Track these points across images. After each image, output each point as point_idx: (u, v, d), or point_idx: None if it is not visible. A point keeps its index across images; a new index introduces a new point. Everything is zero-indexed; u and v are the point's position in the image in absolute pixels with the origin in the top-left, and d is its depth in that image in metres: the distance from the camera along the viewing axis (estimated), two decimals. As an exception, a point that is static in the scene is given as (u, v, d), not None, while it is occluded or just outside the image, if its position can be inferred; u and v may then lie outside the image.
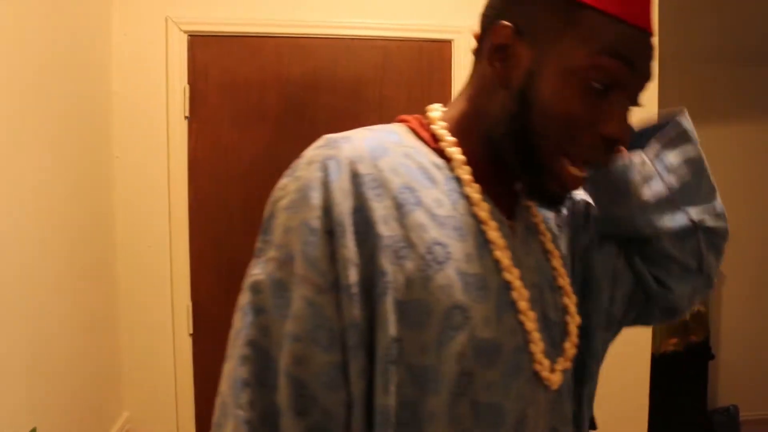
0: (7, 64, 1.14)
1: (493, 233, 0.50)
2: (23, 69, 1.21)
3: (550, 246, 0.58)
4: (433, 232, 0.47)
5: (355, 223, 0.45)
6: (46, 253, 1.30)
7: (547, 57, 0.48)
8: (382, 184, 0.47)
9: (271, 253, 0.47)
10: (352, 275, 0.44)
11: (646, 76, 0.49)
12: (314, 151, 0.49)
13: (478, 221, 0.50)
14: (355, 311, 0.44)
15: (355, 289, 0.44)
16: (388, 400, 0.45)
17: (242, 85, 1.88)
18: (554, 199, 0.53)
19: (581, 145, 0.49)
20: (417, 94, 1.94)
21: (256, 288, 0.47)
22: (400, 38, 1.92)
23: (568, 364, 0.55)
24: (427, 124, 0.55)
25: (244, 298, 0.47)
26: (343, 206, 0.45)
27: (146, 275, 1.84)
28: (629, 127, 0.51)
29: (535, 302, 0.52)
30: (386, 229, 0.46)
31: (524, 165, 0.51)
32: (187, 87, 1.84)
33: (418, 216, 0.47)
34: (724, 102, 2.89)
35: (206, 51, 1.86)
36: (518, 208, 0.57)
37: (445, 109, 0.57)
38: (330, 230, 0.45)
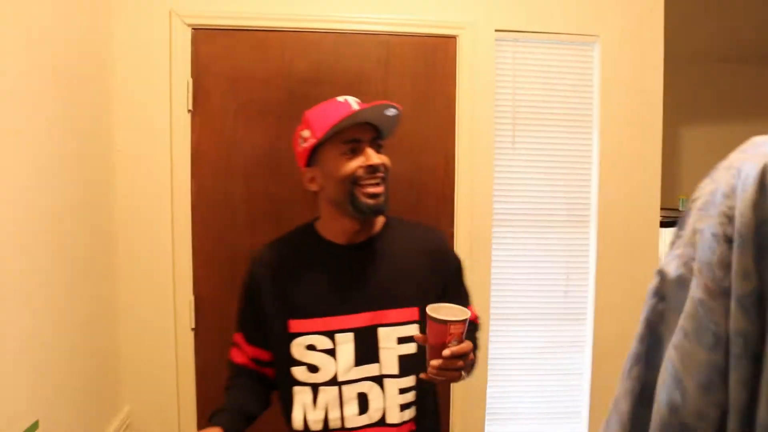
0: (9, 59, 1.14)
1: None
2: (25, 61, 1.20)
3: None
4: None
5: (758, 237, 0.44)
6: (48, 247, 1.30)
7: None
8: None
9: (680, 249, 0.51)
10: (746, 286, 0.44)
11: None
12: (736, 154, 0.50)
13: None
14: (744, 322, 0.44)
15: (747, 301, 0.44)
16: None
17: (245, 79, 1.87)
18: None
19: None
20: (421, 90, 1.93)
21: (663, 276, 0.52)
22: (404, 33, 1.91)
23: None
24: None
25: (654, 281, 0.53)
26: (747, 217, 0.45)
27: (148, 269, 1.84)
28: None
29: None
30: None
31: None
32: (191, 80, 1.84)
33: None
34: (727, 101, 2.86)
35: (210, 45, 1.85)
36: None
37: None
38: (730, 238, 0.46)
